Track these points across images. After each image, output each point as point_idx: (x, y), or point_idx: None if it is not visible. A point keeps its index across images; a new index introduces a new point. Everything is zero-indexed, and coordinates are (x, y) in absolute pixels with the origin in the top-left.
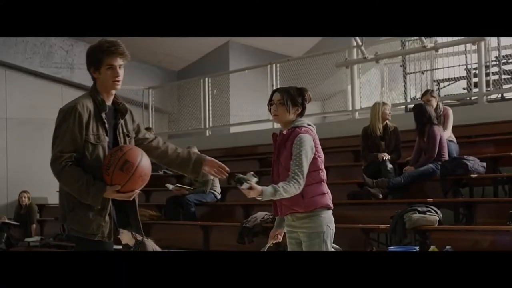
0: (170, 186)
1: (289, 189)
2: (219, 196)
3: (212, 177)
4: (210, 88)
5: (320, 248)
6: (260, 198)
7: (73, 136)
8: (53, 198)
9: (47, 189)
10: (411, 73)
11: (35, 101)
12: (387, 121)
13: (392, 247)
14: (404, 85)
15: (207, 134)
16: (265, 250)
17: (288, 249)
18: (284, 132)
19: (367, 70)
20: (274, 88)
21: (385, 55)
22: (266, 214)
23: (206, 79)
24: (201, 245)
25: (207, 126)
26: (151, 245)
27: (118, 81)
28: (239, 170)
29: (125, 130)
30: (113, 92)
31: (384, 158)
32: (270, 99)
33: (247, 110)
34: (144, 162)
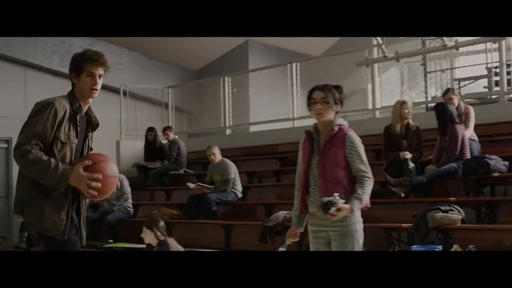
0: (191, 185)
1: (367, 189)
2: (240, 195)
3: (233, 176)
4: (230, 87)
5: (353, 247)
6: (351, 214)
7: (44, 129)
8: None
9: None
10: (431, 72)
11: None
12: (409, 120)
13: (414, 246)
14: (425, 84)
15: (227, 133)
16: (285, 249)
17: (313, 249)
18: (335, 128)
19: (387, 69)
20: (294, 87)
21: (406, 54)
22: (287, 213)
23: (226, 78)
24: (222, 244)
25: (227, 125)
26: (174, 245)
27: (95, 89)
28: (259, 169)
29: (90, 144)
30: (90, 100)
31: (406, 157)
32: (310, 97)
33: (266, 109)
34: (116, 167)
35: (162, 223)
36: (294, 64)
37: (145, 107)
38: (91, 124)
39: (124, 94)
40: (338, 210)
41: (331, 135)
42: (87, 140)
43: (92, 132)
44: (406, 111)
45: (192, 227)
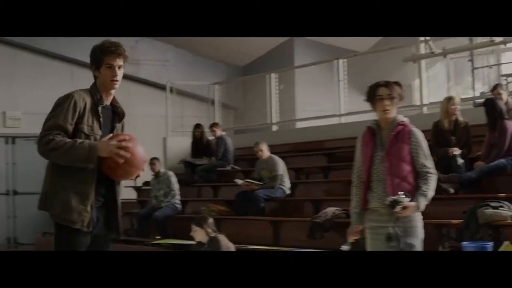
0: (239, 181)
1: (432, 185)
2: (288, 192)
3: (281, 172)
4: (276, 84)
5: (415, 244)
6: (419, 212)
7: (64, 121)
8: (122, 194)
9: None
10: (478, 67)
11: None
12: (458, 116)
13: (464, 243)
14: (473, 80)
15: (273, 129)
16: (348, 247)
17: (371, 246)
18: (401, 124)
19: (433, 65)
20: (341, 83)
21: (453, 49)
22: (336, 209)
23: (272, 74)
24: (270, 240)
25: (273, 121)
26: (224, 241)
27: (116, 80)
28: (307, 165)
29: None
30: (112, 92)
31: (455, 153)
32: (374, 94)
33: (313, 105)
34: (143, 157)
35: (211, 220)
36: (340, 60)
37: (191, 103)
38: (117, 114)
39: (171, 90)
40: (404, 208)
41: (397, 131)
42: (115, 131)
43: (119, 122)
44: (453, 107)
45: (240, 223)
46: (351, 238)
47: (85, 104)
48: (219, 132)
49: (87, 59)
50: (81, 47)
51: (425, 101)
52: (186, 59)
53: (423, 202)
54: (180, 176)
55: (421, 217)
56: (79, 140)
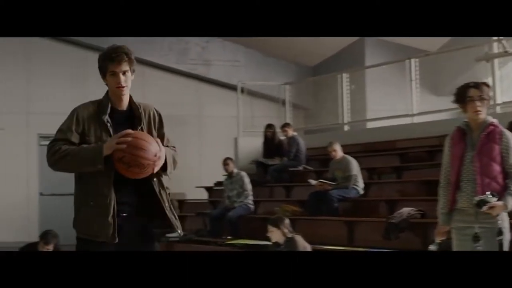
0: (313, 182)
1: None
2: (362, 192)
3: (355, 172)
4: (347, 84)
5: (502, 245)
6: (507, 211)
7: (69, 132)
8: (192, 194)
9: (186, 184)
10: None
11: (172, 98)
12: None
13: None
14: None
15: (345, 129)
16: (436, 247)
17: (457, 247)
18: (493, 125)
19: (504, 64)
20: (413, 83)
21: None
22: (411, 210)
23: (343, 74)
24: (344, 241)
25: (345, 121)
26: (301, 242)
27: (122, 87)
28: (379, 165)
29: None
30: (124, 97)
31: None
32: (465, 95)
33: (384, 104)
34: (154, 147)
35: (287, 221)
36: (412, 60)
37: (261, 103)
38: (136, 117)
39: (242, 91)
40: (491, 207)
41: (488, 131)
42: None
43: (140, 124)
44: None
45: (313, 223)
46: (439, 239)
47: (90, 115)
48: (290, 132)
49: (158, 60)
50: (152, 47)
51: (498, 101)
52: (256, 59)
53: (511, 202)
54: (252, 177)
55: (508, 218)
56: (83, 145)
